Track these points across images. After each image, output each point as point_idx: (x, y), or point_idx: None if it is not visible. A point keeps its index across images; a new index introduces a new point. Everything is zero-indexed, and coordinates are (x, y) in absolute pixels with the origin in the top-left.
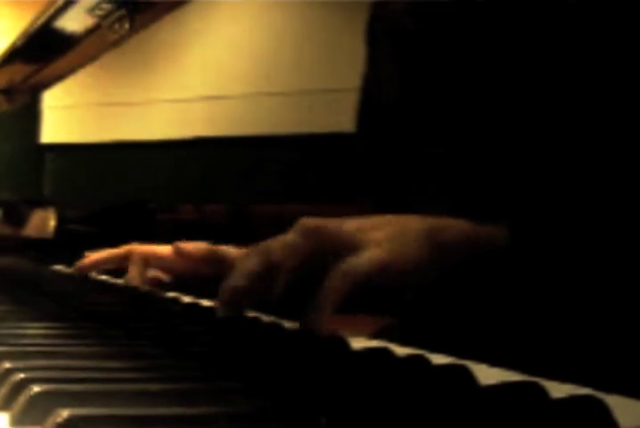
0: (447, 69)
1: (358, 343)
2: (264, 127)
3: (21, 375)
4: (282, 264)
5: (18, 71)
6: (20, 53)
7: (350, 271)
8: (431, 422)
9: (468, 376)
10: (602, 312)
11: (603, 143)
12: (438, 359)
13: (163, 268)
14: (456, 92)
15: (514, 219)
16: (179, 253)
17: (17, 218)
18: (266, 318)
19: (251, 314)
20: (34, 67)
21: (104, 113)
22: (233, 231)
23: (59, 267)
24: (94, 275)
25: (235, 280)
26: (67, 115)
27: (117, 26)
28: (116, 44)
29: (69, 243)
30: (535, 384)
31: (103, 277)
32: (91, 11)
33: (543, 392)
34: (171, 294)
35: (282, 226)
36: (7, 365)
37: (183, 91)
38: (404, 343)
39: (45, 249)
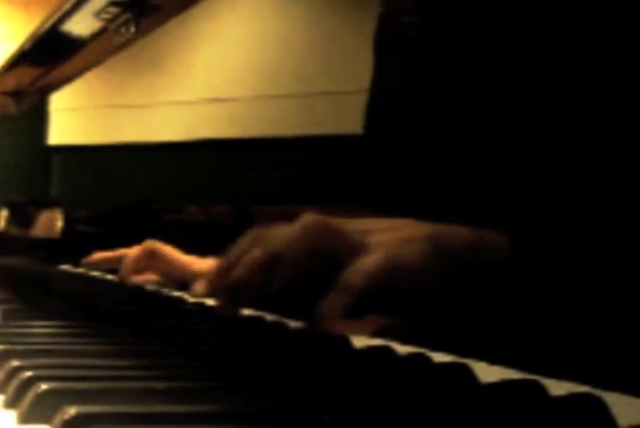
0: (453, 76)
1: (360, 342)
2: (268, 129)
3: (29, 373)
4: (283, 257)
5: (26, 74)
6: (27, 56)
7: (358, 278)
8: (433, 419)
9: (468, 374)
10: (600, 312)
11: (606, 149)
12: (439, 358)
13: (163, 273)
14: (461, 98)
15: (516, 225)
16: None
17: (25, 218)
18: (269, 318)
19: (255, 313)
20: (41, 70)
21: (111, 115)
22: (238, 231)
23: (66, 267)
24: (100, 274)
25: (238, 271)
26: (74, 117)
27: (123, 29)
28: (122, 47)
29: (75, 243)
30: (534, 382)
31: (110, 277)
32: (97, 14)
33: (542, 390)
34: (176, 294)
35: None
36: (15, 363)
37: (188, 93)
38: (405, 342)
39: (52, 249)
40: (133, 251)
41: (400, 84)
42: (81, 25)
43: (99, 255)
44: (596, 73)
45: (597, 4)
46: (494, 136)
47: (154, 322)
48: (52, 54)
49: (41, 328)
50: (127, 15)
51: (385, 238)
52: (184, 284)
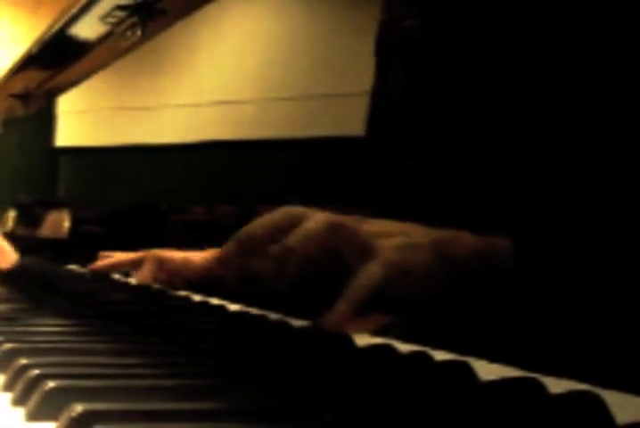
0: (454, 78)
1: (363, 340)
2: (273, 130)
3: (37, 371)
4: (296, 250)
5: (33, 77)
6: (35, 59)
7: (365, 289)
8: (434, 416)
9: (469, 372)
10: (599, 311)
11: (609, 153)
12: (440, 356)
13: (174, 273)
14: (463, 101)
15: (517, 228)
16: (187, 264)
17: (32, 218)
18: (273, 316)
19: (259, 312)
20: (49, 73)
21: (117, 117)
22: None
23: (73, 267)
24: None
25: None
26: (81, 119)
27: (129, 33)
28: (128, 50)
29: (82, 244)
30: (534, 380)
31: (116, 276)
32: (104, 18)
33: (541, 388)
34: (182, 293)
35: None
36: (23, 361)
37: (193, 96)
38: (407, 340)
39: (59, 249)
40: (143, 269)
41: (401, 86)
42: (88, 29)
43: (107, 261)
44: (598, 79)
45: (599, 7)
46: (496, 138)
47: (160, 321)
48: (59, 57)
49: (48, 327)
50: (134, 19)
51: (394, 242)
52: (192, 282)
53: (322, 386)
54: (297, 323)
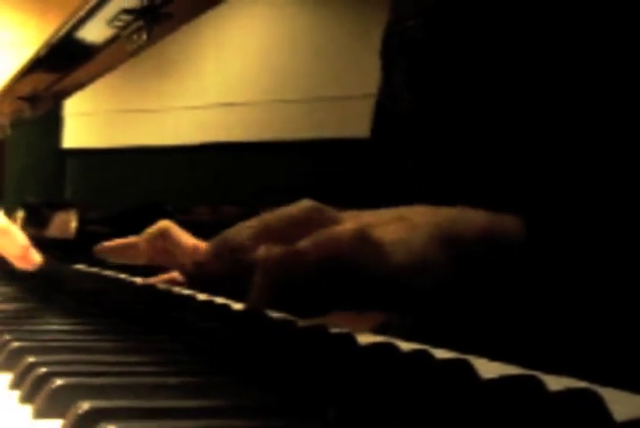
0: (459, 79)
1: (365, 338)
2: (275, 132)
3: (44, 369)
4: (308, 258)
5: (41, 80)
6: (43, 62)
7: (365, 230)
8: (435, 413)
9: (469, 370)
10: (599, 310)
11: (621, 139)
12: (441, 354)
13: (173, 255)
14: (468, 101)
15: (530, 212)
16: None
17: (40, 219)
18: (276, 315)
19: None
20: (56, 75)
21: (123, 120)
22: None
23: (80, 266)
24: (112, 273)
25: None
26: (87, 121)
27: (135, 36)
28: (134, 53)
29: (89, 244)
30: (533, 378)
31: (122, 276)
32: (110, 22)
33: (541, 385)
34: (187, 292)
35: None
36: (31, 359)
37: (198, 98)
38: (408, 339)
39: (66, 249)
40: (146, 232)
41: (405, 86)
42: (94, 32)
43: (112, 243)
44: (600, 80)
45: (601, 8)
46: (500, 138)
47: (165, 319)
48: (66, 61)
49: (55, 325)
50: (139, 23)
51: (385, 230)
52: (193, 276)
53: (325, 383)
54: (300, 322)
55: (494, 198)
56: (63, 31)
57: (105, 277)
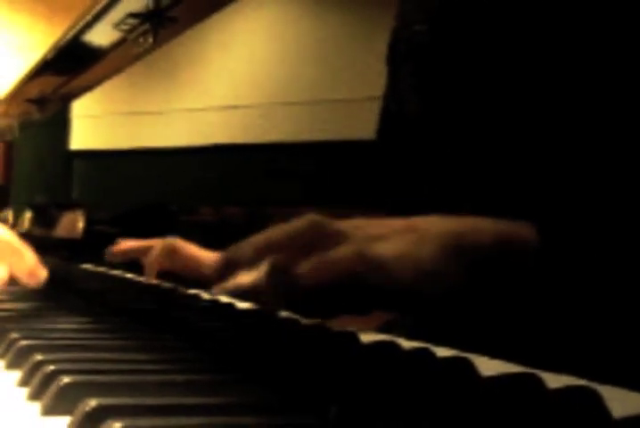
0: (465, 83)
1: (367, 337)
2: (278, 134)
3: (52, 367)
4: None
5: (48, 82)
6: (50, 65)
7: (364, 252)
8: (436, 411)
9: (470, 368)
10: (597, 310)
11: (632, 145)
12: (443, 352)
13: (185, 269)
14: (474, 104)
15: (541, 217)
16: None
17: (48, 219)
18: (281, 314)
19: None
20: (63, 78)
21: (129, 122)
22: (250, 232)
23: (87, 266)
24: (119, 273)
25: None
26: (94, 123)
27: (141, 40)
28: (140, 56)
29: (96, 243)
30: (533, 375)
31: (129, 275)
32: (117, 25)
33: (540, 383)
34: (192, 291)
35: None
36: (39, 357)
37: (203, 101)
38: (410, 337)
39: (74, 248)
40: (154, 250)
41: (412, 90)
42: (101, 36)
43: (123, 246)
44: (610, 85)
45: (608, 10)
46: (507, 141)
47: (171, 318)
48: (73, 64)
49: (63, 324)
50: (146, 26)
51: (391, 243)
52: (203, 280)
53: (328, 381)
54: (304, 321)
55: (500, 201)
56: (70, 34)
57: (112, 277)
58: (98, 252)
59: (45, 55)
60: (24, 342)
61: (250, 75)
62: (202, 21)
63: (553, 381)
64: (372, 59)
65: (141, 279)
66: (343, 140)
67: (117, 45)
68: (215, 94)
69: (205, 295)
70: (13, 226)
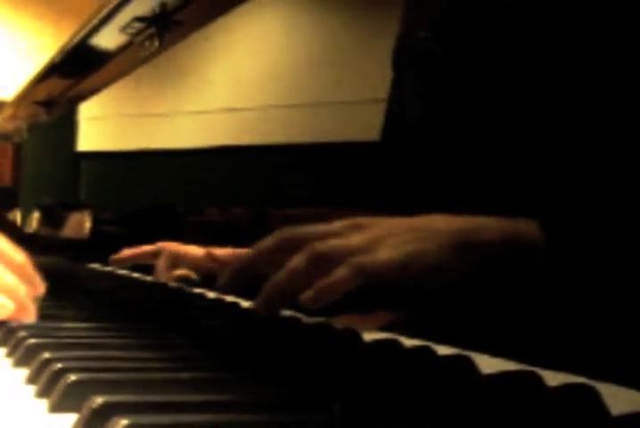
0: (467, 88)
1: (370, 335)
2: (283, 136)
3: (59, 365)
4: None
5: (56, 85)
6: (58, 68)
7: (362, 266)
8: (437, 407)
9: (471, 366)
10: (596, 309)
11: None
12: (444, 350)
13: (190, 266)
14: (476, 109)
15: (543, 214)
16: (211, 258)
17: (55, 220)
18: (284, 313)
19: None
20: (71, 81)
21: (135, 124)
22: (255, 232)
23: (94, 266)
24: (126, 272)
25: (279, 278)
26: (101, 125)
27: (147, 43)
28: (146, 59)
29: (103, 243)
30: (532, 373)
31: (136, 275)
32: (123, 29)
33: (539, 381)
34: (197, 290)
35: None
36: (46, 355)
37: (208, 103)
38: (412, 336)
39: (81, 248)
40: (159, 263)
41: (415, 95)
42: (108, 39)
43: (126, 253)
44: (613, 89)
45: (613, 15)
46: (509, 145)
47: (176, 317)
48: (80, 67)
49: (70, 323)
50: (152, 30)
51: (400, 239)
52: (210, 278)
53: (331, 379)
54: (307, 319)
55: (505, 201)
56: (78, 38)
57: (119, 276)
58: (105, 252)
59: (53, 58)
60: (32, 341)
61: (254, 78)
62: (207, 25)
63: (553, 378)
64: (373, 62)
65: (147, 278)
66: (346, 142)
67: (123, 49)
68: (219, 96)
69: (210, 294)
70: (22, 227)
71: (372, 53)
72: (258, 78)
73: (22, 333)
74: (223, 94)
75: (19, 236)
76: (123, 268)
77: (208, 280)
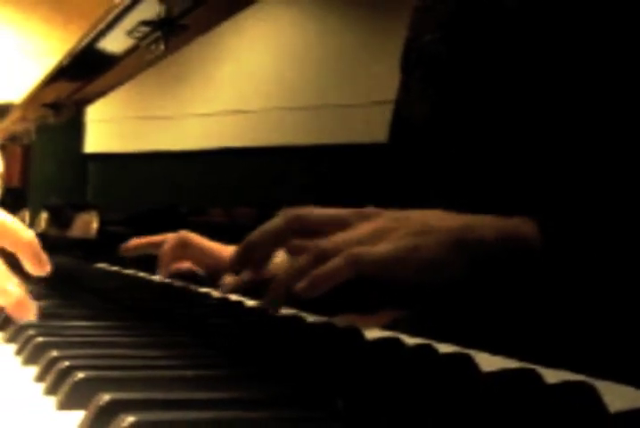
0: (475, 91)
1: (372, 334)
2: (286, 138)
3: (67, 363)
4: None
5: (64, 88)
6: (65, 71)
7: (357, 257)
8: (438, 405)
9: (471, 364)
10: (595, 308)
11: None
12: (445, 348)
13: (198, 261)
14: (482, 110)
15: (542, 213)
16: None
17: (63, 220)
18: (287, 311)
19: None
20: (78, 84)
21: (142, 126)
22: None
23: (101, 265)
24: (132, 272)
25: (287, 276)
26: (108, 127)
27: (153, 47)
28: (152, 63)
29: (110, 243)
30: (532, 371)
31: (142, 274)
32: (130, 33)
33: (539, 378)
34: (203, 289)
35: None
36: (54, 353)
37: (213, 105)
38: (414, 334)
39: (88, 248)
40: (167, 242)
41: (423, 97)
42: (115, 43)
43: (137, 241)
44: (610, 90)
45: (618, 19)
46: (513, 146)
47: (182, 315)
48: (88, 70)
49: (78, 322)
50: (157, 34)
51: (400, 232)
52: (215, 276)
53: (333, 376)
54: (310, 318)
55: (505, 200)
56: (85, 42)
57: (125, 276)
58: (112, 252)
59: (61, 62)
60: (40, 339)
61: (258, 81)
62: (212, 29)
63: (552, 376)
64: (377, 65)
65: (153, 278)
66: (352, 144)
67: (130, 52)
68: (224, 99)
69: (215, 293)
70: (30, 227)
71: (378, 56)
72: (262, 80)
73: (31, 332)
74: (228, 96)
75: None
76: (130, 268)
77: (212, 278)
